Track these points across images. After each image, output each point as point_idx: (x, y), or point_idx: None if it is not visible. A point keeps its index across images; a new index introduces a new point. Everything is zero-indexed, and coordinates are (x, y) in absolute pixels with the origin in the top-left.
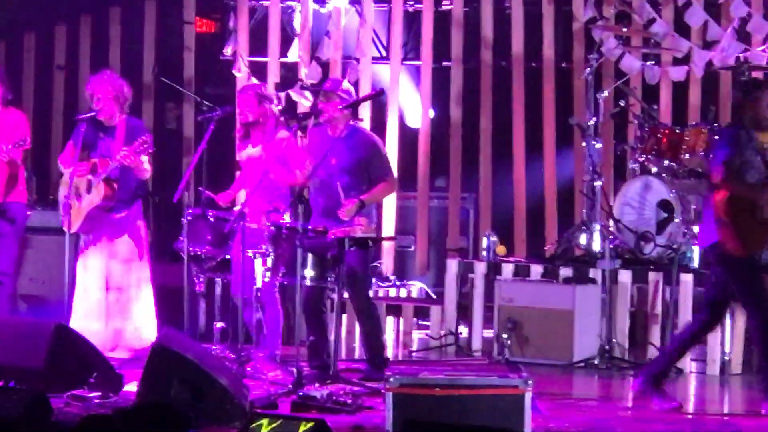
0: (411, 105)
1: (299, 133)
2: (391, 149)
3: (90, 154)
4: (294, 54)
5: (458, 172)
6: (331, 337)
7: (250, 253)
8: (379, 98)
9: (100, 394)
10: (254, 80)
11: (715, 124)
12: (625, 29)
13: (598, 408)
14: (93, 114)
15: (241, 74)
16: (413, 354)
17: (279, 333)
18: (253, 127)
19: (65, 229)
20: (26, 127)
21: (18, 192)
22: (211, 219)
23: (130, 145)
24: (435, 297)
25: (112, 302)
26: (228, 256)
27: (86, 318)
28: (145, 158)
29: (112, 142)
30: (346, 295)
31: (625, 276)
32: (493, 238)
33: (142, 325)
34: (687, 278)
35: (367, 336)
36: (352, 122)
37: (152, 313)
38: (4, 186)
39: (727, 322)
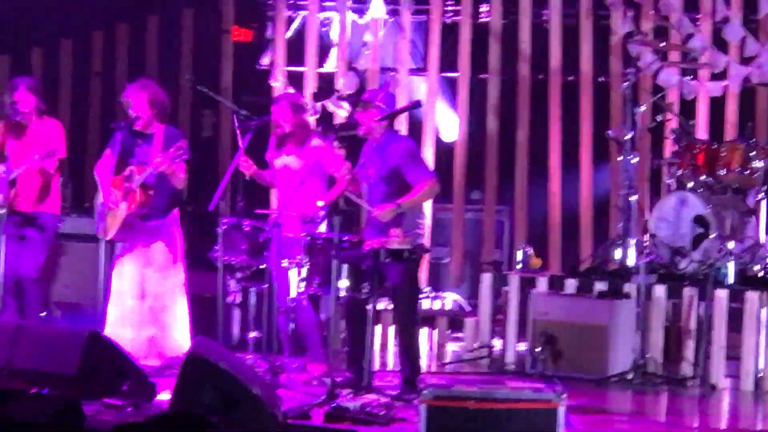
0: (445, 120)
1: (336, 143)
2: (428, 160)
3: (129, 161)
4: (331, 64)
5: (494, 185)
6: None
7: (285, 262)
8: (415, 110)
9: (132, 402)
10: (290, 89)
11: (752, 140)
12: (662, 44)
13: (631, 423)
14: (130, 122)
15: (278, 84)
16: (446, 366)
17: (317, 335)
18: (288, 137)
19: (101, 236)
20: (60, 137)
21: (50, 202)
22: (247, 228)
23: (167, 152)
24: (469, 309)
25: (146, 310)
26: (263, 266)
27: (119, 325)
28: (180, 166)
29: (149, 149)
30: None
31: (659, 291)
32: (528, 251)
33: (176, 333)
34: (722, 294)
35: (403, 353)
36: (389, 130)
37: (186, 321)
38: (36, 195)
39: (762, 337)
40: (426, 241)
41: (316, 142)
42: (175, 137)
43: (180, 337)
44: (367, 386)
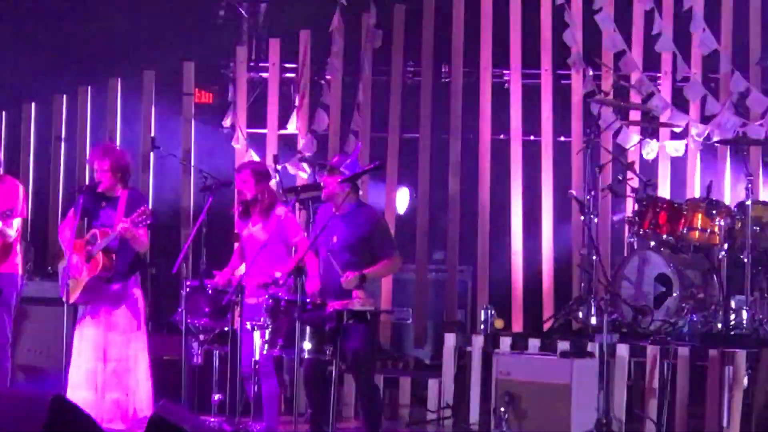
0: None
1: (297, 206)
2: (389, 220)
3: (92, 223)
4: (293, 126)
5: (456, 245)
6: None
7: (248, 325)
8: (377, 171)
9: None
10: (252, 154)
11: (714, 199)
12: (623, 103)
13: None
14: (93, 185)
15: (240, 146)
16: (410, 427)
17: (276, 405)
18: (251, 205)
19: (64, 299)
20: (16, 196)
21: (9, 263)
22: (210, 291)
23: (130, 216)
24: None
25: (110, 373)
26: (226, 329)
27: (82, 388)
28: (143, 231)
29: (113, 213)
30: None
31: (622, 350)
32: (491, 311)
33: (139, 396)
34: (684, 352)
35: (366, 417)
36: (356, 199)
37: (149, 384)
38: None
39: (725, 395)
40: (388, 301)
41: (279, 210)
42: (138, 201)
43: (143, 400)
44: None
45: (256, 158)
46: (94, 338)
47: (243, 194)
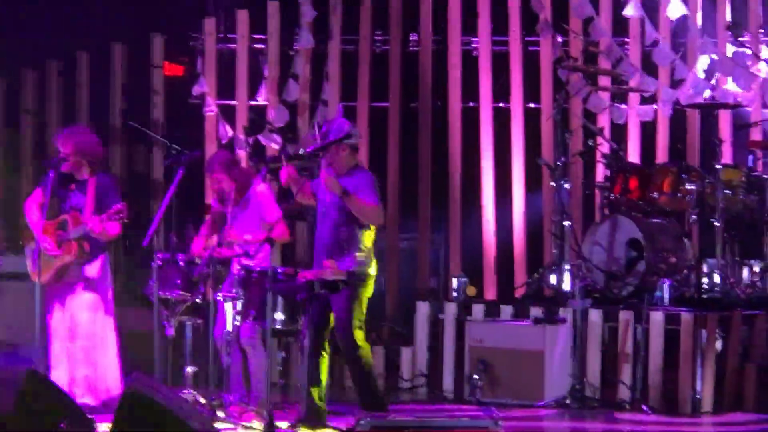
0: None
1: (268, 176)
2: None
3: (61, 206)
4: (262, 97)
5: (427, 213)
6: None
7: (220, 296)
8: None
9: None
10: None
11: (683, 163)
12: (592, 69)
13: None
14: (58, 161)
15: (211, 113)
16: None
17: (264, 377)
18: (234, 194)
19: (36, 280)
20: None
21: None
22: (181, 263)
23: (101, 203)
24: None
25: (78, 350)
26: (198, 300)
27: (55, 365)
28: (114, 225)
29: (82, 198)
30: None
31: (595, 315)
32: (464, 279)
33: (109, 373)
34: (657, 317)
35: (354, 382)
36: (354, 162)
37: (116, 361)
38: None
39: (698, 359)
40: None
41: (260, 188)
42: (107, 187)
43: (112, 377)
44: (305, 419)
45: (226, 130)
46: (63, 317)
47: (221, 189)
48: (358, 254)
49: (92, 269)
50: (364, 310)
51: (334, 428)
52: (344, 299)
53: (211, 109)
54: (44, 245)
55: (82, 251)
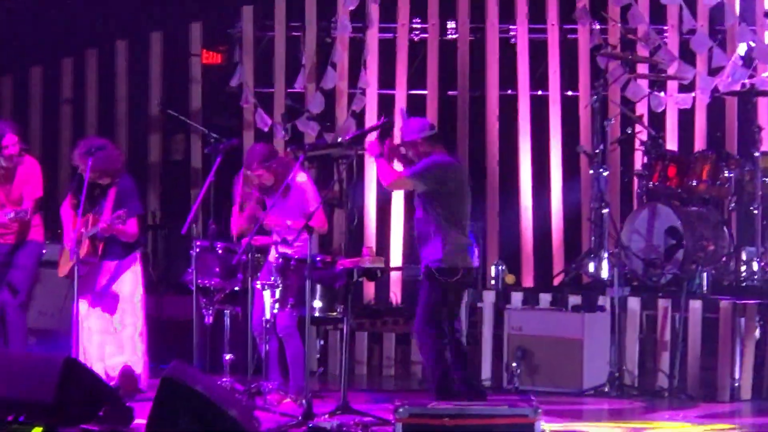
0: None
1: (306, 163)
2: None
3: (88, 208)
4: (300, 84)
5: None
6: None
7: (259, 285)
8: (384, 129)
9: (110, 427)
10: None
11: (722, 151)
12: (630, 57)
13: None
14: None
15: (248, 105)
16: (423, 385)
17: (302, 365)
18: (276, 187)
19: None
20: (40, 176)
21: (34, 232)
22: (220, 251)
23: (121, 207)
24: None
25: (107, 341)
26: (236, 288)
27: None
28: (131, 222)
29: (104, 202)
30: None
31: (634, 303)
32: (502, 267)
33: (139, 366)
34: (696, 305)
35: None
36: (431, 151)
37: (141, 353)
38: (18, 231)
39: (737, 346)
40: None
41: (301, 178)
42: (127, 192)
43: (141, 370)
44: (344, 407)
45: (265, 118)
46: (90, 308)
47: (262, 184)
48: (438, 247)
49: (118, 266)
50: (447, 304)
51: (372, 416)
52: (423, 291)
53: (247, 101)
54: (66, 242)
55: (93, 250)
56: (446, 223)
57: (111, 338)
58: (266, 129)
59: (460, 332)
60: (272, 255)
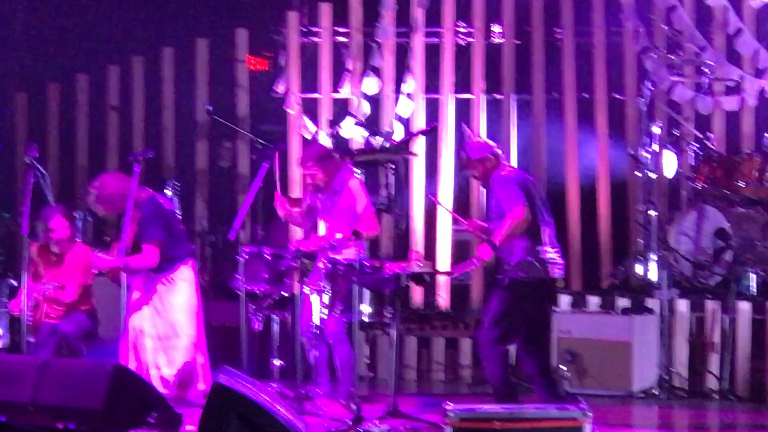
0: None
1: (355, 169)
2: (447, 182)
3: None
4: (346, 90)
5: None
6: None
7: (307, 290)
8: (432, 133)
9: None
10: (306, 121)
11: None
12: (676, 58)
13: None
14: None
15: (294, 111)
16: (472, 388)
17: (351, 370)
18: (326, 187)
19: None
20: (87, 264)
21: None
22: (268, 257)
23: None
24: None
25: (155, 349)
26: (285, 294)
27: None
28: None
29: (126, 228)
30: None
31: (682, 305)
32: None
33: (189, 373)
34: (744, 306)
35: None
36: (495, 168)
37: (183, 361)
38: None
39: None
40: (446, 263)
41: (353, 183)
42: (147, 219)
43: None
44: (393, 411)
45: (310, 124)
46: (141, 318)
47: (315, 183)
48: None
49: (162, 274)
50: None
51: (421, 420)
52: (495, 298)
53: (291, 107)
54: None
55: (116, 273)
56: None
57: (164, 346)
58: (311, 135)
59: None
60: (320, 261)
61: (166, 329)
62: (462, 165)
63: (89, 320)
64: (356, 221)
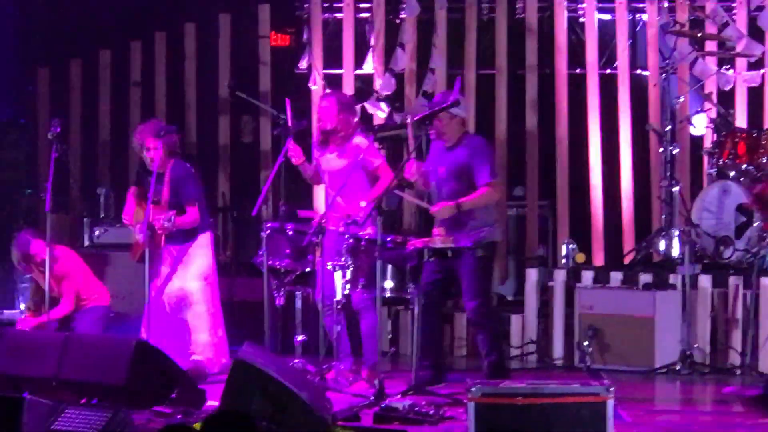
0: None
1: (376, 144)
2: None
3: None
4: (369, 66)
5: (535, 180)
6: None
7: (329, 266)
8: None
9: (182, 409)
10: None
11: None
12: (698, 34)
13: (680, 414)
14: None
15: (317, 87)
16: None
17: (376, 340)
18: (330, 135)
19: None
20: (74, 268)
21: (96, 298)
22: (290, 232)
23: (175, 195)
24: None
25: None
26: (308, 269)
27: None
28: (187, 213)
29: (161, 188)
30: None
31: (705, 281)
32: (572, 246)
33: (205, 349)
34: (767, 282)
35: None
36: (462, 130)
37: (203, 337)
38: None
39: None
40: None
41: (358, 140)
42: (182, 178)
43: (205, 350)
44: (416, 387)
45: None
46: (158, 289)
47: (323, 122)
48: (479, 223)
49: (183, 248)
50: (491, 278)
51: (444, 395)
52: (469, 267)
53: (315, 83)
54: (135, 229)
55: (155, 240)
56: None
57: (185, 317)
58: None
59: None
60: (338, 231)
61: (185, 302)
62: (437, 108)
63: (101, 311)
64: (371, 177)
